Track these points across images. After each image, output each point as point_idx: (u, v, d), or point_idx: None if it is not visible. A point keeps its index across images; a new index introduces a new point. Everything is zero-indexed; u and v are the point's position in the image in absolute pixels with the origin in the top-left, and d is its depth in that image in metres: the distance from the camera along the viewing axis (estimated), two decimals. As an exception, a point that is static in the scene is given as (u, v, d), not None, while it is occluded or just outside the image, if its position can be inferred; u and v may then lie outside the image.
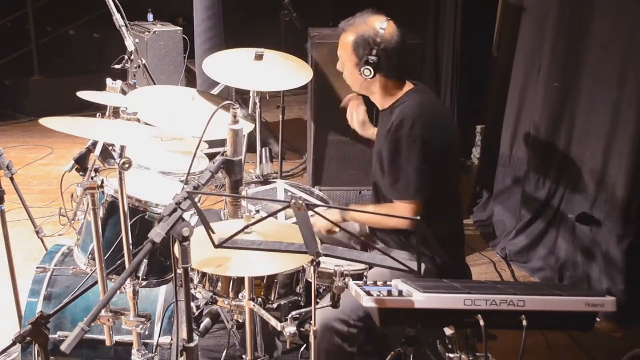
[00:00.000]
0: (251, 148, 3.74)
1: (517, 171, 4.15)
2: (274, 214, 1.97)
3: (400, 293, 1.77)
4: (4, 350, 2.62)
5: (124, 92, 2.56)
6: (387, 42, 2.35)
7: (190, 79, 5.55)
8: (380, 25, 2.35)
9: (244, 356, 2.29)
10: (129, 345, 2.37)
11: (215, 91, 3.11)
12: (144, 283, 2.39)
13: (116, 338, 2.40)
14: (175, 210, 1.77)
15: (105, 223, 2.35)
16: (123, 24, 3.37)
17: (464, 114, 5.05)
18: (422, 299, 1.75)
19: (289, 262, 2.03)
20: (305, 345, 2.73)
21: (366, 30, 2.36)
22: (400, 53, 2.39)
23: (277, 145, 4.38)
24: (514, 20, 4.20)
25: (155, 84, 3.87)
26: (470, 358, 2.01)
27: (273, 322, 2.14)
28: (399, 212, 2.33)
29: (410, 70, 2.52)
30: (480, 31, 4.90)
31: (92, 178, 2.15)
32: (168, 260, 2.43)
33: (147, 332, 2.42)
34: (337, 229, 2.42)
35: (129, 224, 2.14)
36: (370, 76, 2.36)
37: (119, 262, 2.30)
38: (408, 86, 2.45)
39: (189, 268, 1.79)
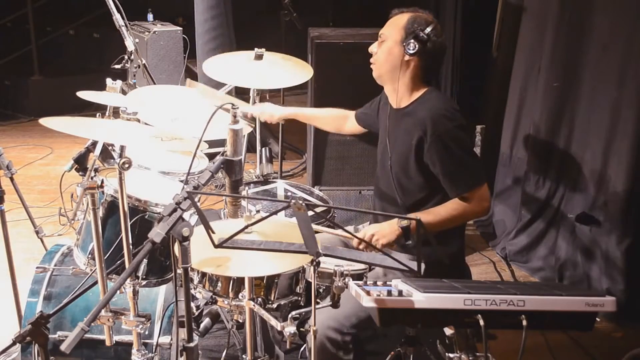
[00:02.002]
0: (251, 148, 3.74)
1: (517, 171, 4.15)
2: (274, 213, 1.97)
3: (400, 293, 1.77)
4: (4, 350, 2.62)
5: (124, 92, 2.55)
6: (438, 33, 2.40)
7: (190, 79, 5.55)
8: (433, 19, 2.43)
9: (244, 356, 2.29)
10: (129, 345, 2.37)
11: (221, 92, 3.12)
12: (144, 283, 2.39)
13: (116, 338, 2.40)
14: (175, 210, 1.77)
15: (105, 223, 2.35)
16: (123, 24, 3.36)
17: (464, 114, 5.04)
18: (422, 299, 1.75)
19: (289, 262, 2.03)
20: (305, 345, 2.73)
21: (424, 16, 2.42)
22: (442, 52, 2.45)
23: (277, 145, 4.38)
24: (514, 20, 4.20)
25: (155, 83, 3.87)
26: (470, 358, 2.01)
27: (273, 322, 2.14)
28: (477, 200, 2.33)
29: (435, 77, 2.55)
30: (480, 31, 4.90)
31: (92, 178, 2.15)
32: (168, 260, 2.43)
33: (147, 332, 2.42)
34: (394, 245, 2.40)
35: (129, 224, 2.14)
36: (413, 51, 2.36)
37: (119, 262, 2.29)
38: (425, 88, 2.47)
39: (189, 268, 1.79)
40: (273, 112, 2.95)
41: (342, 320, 2.26)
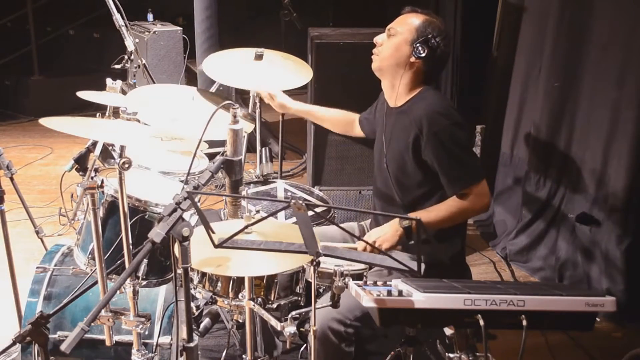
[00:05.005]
0: (251, 148, 3.74)
1: (517, 171, 4.15)
2: (274, 213, 1.98)
3: (400, 293, 1.77)
4: (4, 350, 2.62)
5: (124, 92, 2.56)
6: (447, 42, 2.42)
7: (190, 79, 5.56)
8: (445, 28, 2.45)
9: (244, 356, 2.29)
10: (129, 345, 2.37)
11: (212, 89, 3.12)
12: (144, 283, 2.39)
13: (116, 338, 2.40)
14: (175, 210, 1.77)
15: (105, 223, 2.35)
16: (123, 24, 3.36)
17: (464, 114, 5.05)
18: (422, 299, 1.75)
19: (289, 262, 2.03)
20: (305, 345, 2.73)
21: (438, 24, 2.43)
22: (446, 61, 2.49)
23: (277, 145, 4.38)
24: (514, 20, 4.20)
25: (155, 83, 3.87)
26: (470, 358, 2.01)
27: (273, 322, 2.14)
28: (476, 197, 2.33)
29: (436, 80, 2.58)
30: (480, 31, 4.90)
31: (92, 178, 2.15)
32: (168, 260, 2.43)
33: (147, 332, 2.42)
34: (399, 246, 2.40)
35: (129, 224, 2.14)
36: (421, 55, 2.38)
37: (119, 262, 2.29)
38: (421, 87, 2.48)
39: (189, 268, 1.79)
40: (285, 104, 2.94)
41: (345, 312, 2.26)
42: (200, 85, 4.96)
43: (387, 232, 2.35)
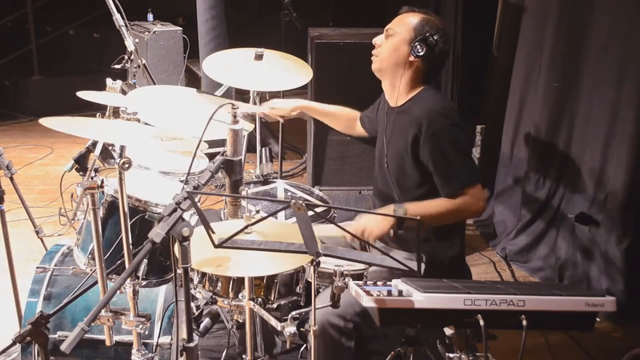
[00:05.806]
0: (251, 148, 3.74)
1: (517, 171, 4.16)
2: (274, 213, 1.98)
3: (400, 293, 1.77)
4: (4, 350, 2.62)
5: (124, 92, 2.56)
6: (446, 40, 2.42)
7: (190, 79, 5.55)
8: (444, 26, 2.44)
9: (244, 356, 2.29)
10: (129, 345, 2.37)
11: (219, 92, 3.11)
12: (144, 283, 2.39)
13: (116, 338, 2.40)
14: (175, 210, 1.77)
15: (105, 223, 2.35)
16: (123, 24, 3.36)
17: (464, 114, 5.06)
18: (422, 299, 1.75)
19: (289, 262, 2.03)
20: (305, 345, 2.73)
21: (436, 22, 2.43)
22: (445, 59, 2.48)
23: (277, 145, 4.38)
24: (514, 20, 4.20)
25: (155, 84, 3.87)
26: (470, 358, 2.00)
27: (273, 322, 2.14)
28: (470, 199, 2.32)
29: (436, 79, 2.58)
30: (480, 31, 4.91)
31: (92, 178, 2.15)
32: (168, 260, 2.43)
33: (147, 332, 2.42)
34: (392, 233, 2.38)
35: (129, 224, 2.14)
36: (419, 53, 2.38)
37: (119, 262, 2.29)
38: (421, 87, 2.48)
39: (189, 268, 1.79)
40: (284, 106, 2.91)
41: (345, 307, 2.25)
42: (204, 87, 4.96)
43: (378, 216, 2.33)
